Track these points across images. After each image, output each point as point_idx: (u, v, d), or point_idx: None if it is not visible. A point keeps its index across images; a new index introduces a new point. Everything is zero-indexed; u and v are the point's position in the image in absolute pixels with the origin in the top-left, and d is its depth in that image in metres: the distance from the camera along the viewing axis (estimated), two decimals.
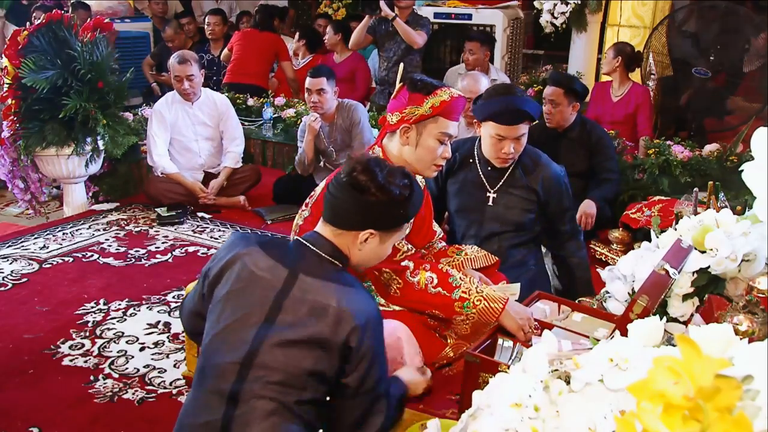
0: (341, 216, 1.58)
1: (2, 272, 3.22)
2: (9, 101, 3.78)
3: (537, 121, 2.68)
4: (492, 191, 2.69)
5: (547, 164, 2.68)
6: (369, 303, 1.52)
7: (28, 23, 3.98)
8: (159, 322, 2.81)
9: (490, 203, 2.70)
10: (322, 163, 4.21)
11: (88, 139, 3.97)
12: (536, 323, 2.05)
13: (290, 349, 1.44)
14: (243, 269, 1.53)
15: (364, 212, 1.57)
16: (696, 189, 2.17)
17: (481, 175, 2.71)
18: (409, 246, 2.14)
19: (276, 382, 1.43)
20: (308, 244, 1.58)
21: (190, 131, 4.20)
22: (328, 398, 1.50)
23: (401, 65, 2.22)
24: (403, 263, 2.07)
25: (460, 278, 2.11)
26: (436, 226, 2.54)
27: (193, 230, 3.89)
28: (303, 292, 1.48)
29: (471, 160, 2.73)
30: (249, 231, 1.71)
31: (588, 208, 3.37)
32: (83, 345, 2.60)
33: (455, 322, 2.09)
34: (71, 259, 3.41)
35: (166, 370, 2.46)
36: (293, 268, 1.52)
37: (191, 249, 3.61)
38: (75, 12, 5.37)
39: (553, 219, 2.70)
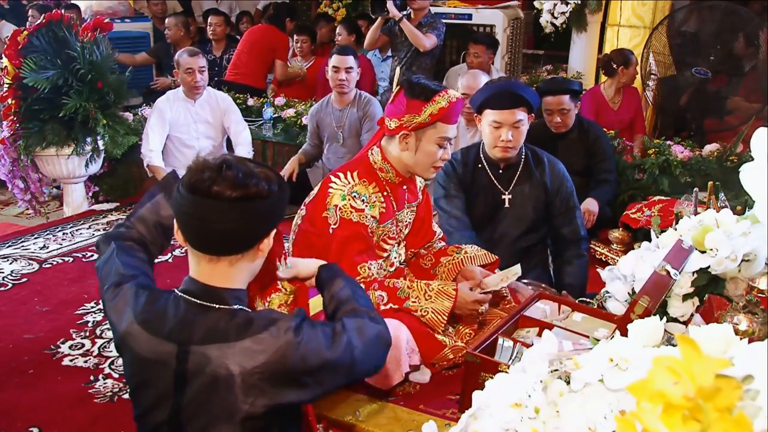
0: (238, 238, 1.35)
1: (2, 272, 3.22)
2: (9, 101, 3.78)
3: (537, 120, 2.66)
4: (506, 193, 2.67)
5: (552, 161, 2.69)
6: (272, 342, 1.30)
7: (27, 22, 3.99)
8: None
9: (507, 205, 2.68)
10: (319, 162, 4.21)
11: (88, 139, 3.97)
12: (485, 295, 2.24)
13: (213, 430, 1.32)
14: (134, 357, 1.38)
15: (263, 218, 1.37)
16: (696, 189, 2.17)
17: (493, 179, 2.68)
18: (371, 272, 2.16)
19: None
20: (192, 300, 1.36)
21: (192, 129, 4.20)
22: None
23: (398, 68, 2.20)
24: None
25: (408, 288, 2.17)
26: (435, 227, 2.55)
27: None
28: (200, 366, 1.31)
29: (480, 166, 2.70)
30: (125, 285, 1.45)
31: (590, 206, 3.37)
32: (83, 345, 2.60)
33: None
34: (71, 259, 3.41)
35: None
36: (181, 341, 1.32)
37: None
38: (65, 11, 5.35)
39: (557, 219, 2.69)
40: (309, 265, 1.70)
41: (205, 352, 1.30)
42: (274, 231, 1.42)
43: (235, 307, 1.36)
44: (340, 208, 2.11)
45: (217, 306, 1.35)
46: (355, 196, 2.13)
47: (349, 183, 2.15)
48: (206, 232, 1.33)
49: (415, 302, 2.14)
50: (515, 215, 2.67)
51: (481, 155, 2.69)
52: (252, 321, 1.33)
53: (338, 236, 2.11)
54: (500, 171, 2.66)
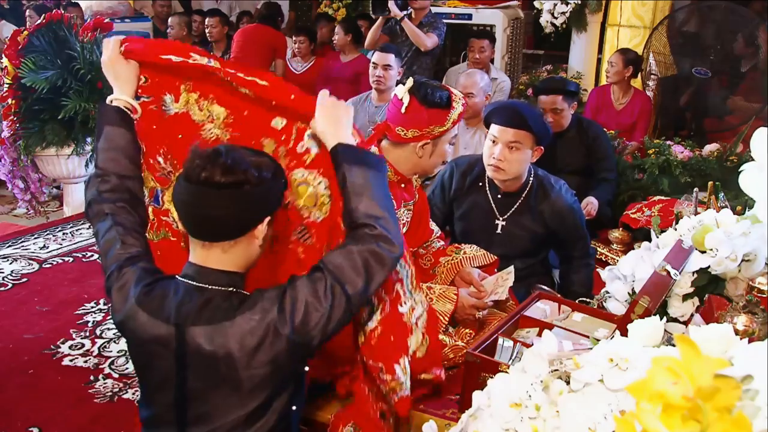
0: (229, 224, 1.37)
1: (2, 272, 3.22)
2: (9, 101, 3.78)
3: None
4: (501, 219, 2.61)
5: (559, 196, 2.55)
6: (264, 316, 1.33)
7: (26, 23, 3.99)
8: None
9: (499, 231, 2.61)
10: None
11: (88, 139, 3.97)
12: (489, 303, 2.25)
13: (218, 408, 1.36)
14: (135, 340, 1.41)
15: (254, 205, 1.38)
16: (696, 189, 2.17)
17: (491, 201, 2.61)
18: None
19: None
20: (190, 282, 1.39)
21: None
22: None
23: (410, 79, 2.18)
24: None
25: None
26: (433, 225, 2.54)
27: None
28: (199, 346, 1.33)
29: (480, 184, 2.64)
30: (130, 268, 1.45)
31: (590, 201, 3.37)
32: (83, 345, 2.60)
33: None
34: (71, 259, 3.41)
35: None
36: (179, 323, 1.35)
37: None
38: (66, 11, 5.34)
39: (565, 245, 2.65)
40: (330, 135, 1.54)
41: (203, 332, 1.33)
42: (269, 218, 1.42)
43: (230, 289, 1.39)
44: None
45: (211, 287, 1.38)
46: None
47: None
48: (198, 218, 1.37)
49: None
50: (508, 242, 2.60)
51: (486, 176, 2.61)
52: (244, 300, 1.37)
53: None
54: (499, 196, 2.59)
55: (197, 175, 1.33)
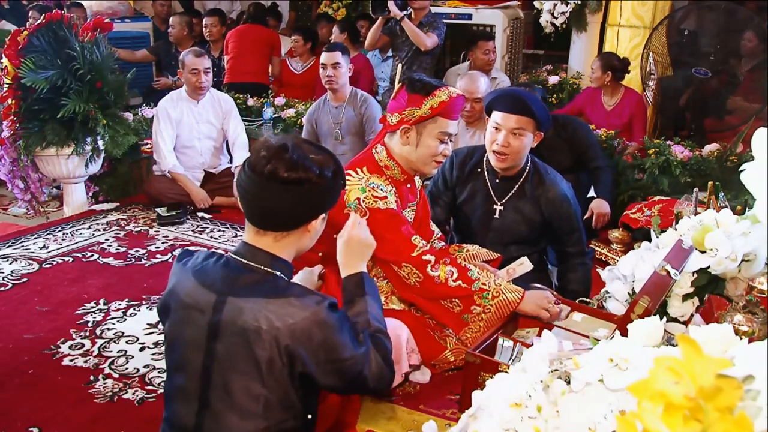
0: (285, 217, 1.48)
1: (2, 272, 3.22)
2: (9, 101, 3.78)
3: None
4: (499, 204, 2.63)
5: (554, 183, 2.57)
6: (304, 308, 1.39)
7: (28, 23, 3.98)
8: (159, 322, 2.80)
9: (497, 216, 2.63)
10: None
11: (88, 139, 3.96)
12: (555, 299, 2.16)
13: (238, 384, 1.40)
14: (177, 302, 1.49)
15: (312, 202, 1.48)
16: (696, 189, 2.17)
17: (489, 186, 2.64)
18: (424, 241, 2.16)
19: (239, 416, 1.41)
20: (240, 259, 1.49)
21: (194, 129, 4.21)
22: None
23: (399, 65, 2.23)
24: (424, 257, 2.11)
25: (478, 272, 2.16)
26: (433, 226, 2.54)
27: (193, 230, 3.89)
28: (233, 316, 1.40)
29: (479, 170, 2.66)
30: (197, 249, 1.57)
31: (601, 207, 3.36)
32: (83, 345, 2.60)
33: (471, 315, 2.12)
34: (71, 259, 3.41)
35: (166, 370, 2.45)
36: (221, 291, 1.44)
37: (191, 249, 3.60)
38: (69, 11, 5.35)
39: (560, 239, 2.65)
40: (349, 261, 1.72)
41: (240, 304, 1.41)
42: (323, 215, 1.52)
43: (277, 273, 1.47)
44: (362, 200, 2.10)
45: (260, 267, 1.47)
46: (373, 187, 2.13)
47: (364, 176, 2.16)
48: (257, 207, 1.47)
49: (485, 284, 2.11)
50: (506, 228, 2.62)
51: (485, 159, 2.66)
52: (290, 286, 1.46)
53: (372, 225, 2.04)
54: (497, 180, 2.62)
55: (262, 167, 1.41)
